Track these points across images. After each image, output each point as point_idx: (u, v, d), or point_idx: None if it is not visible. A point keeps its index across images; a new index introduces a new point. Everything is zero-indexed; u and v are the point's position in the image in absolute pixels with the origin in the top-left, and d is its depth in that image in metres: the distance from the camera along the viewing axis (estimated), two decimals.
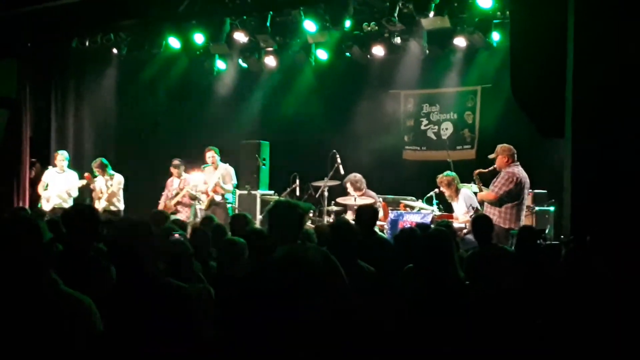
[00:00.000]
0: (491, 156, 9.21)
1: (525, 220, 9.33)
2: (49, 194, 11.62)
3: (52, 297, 2.99)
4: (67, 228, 4.69)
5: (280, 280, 3.30)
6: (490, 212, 8.78)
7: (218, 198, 11.43)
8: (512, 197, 8.79)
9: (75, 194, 11.75)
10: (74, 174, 11.88)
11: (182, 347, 3.27)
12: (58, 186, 11.67)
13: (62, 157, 11.89)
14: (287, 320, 3.24)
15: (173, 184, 11.83)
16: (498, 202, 8.81)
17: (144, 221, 3.80)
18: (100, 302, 3.10)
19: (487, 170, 9.26)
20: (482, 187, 9.26)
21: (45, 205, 11.59)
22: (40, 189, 11.83)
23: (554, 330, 3.70)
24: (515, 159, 9.01)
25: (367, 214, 6.91)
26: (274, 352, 3.21)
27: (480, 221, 6.77)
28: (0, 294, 2.96)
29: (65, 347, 2.92)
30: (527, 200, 9.35)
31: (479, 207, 9.52)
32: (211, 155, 11.53)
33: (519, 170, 8.92)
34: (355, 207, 10.34)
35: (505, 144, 9.20)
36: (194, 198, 11.52)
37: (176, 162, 11.84)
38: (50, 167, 12.08)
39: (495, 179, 9.04)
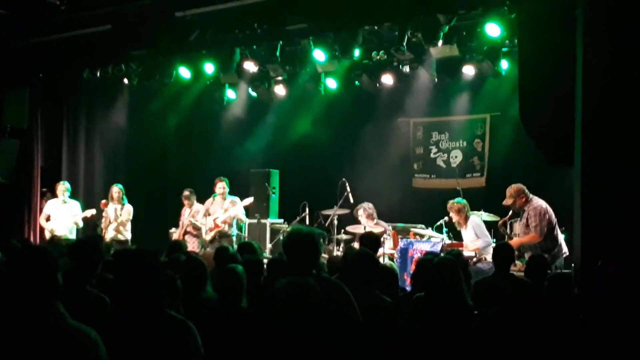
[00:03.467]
0: (506, 203, 9.21)
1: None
2: (53, 226, 11.65)
3: (58, 330, 2.97)
4: (72, 259, 4.70)
5: (281, 313, 3.27)
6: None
7: (226, 228, 11.42)
8: (549, 228, 8.81)
9: (81, 224, 11.79)
10: (76, 204, 11.94)
11: None
12: (63, 217, 11.70)
13: (63, 187, 11.95)
14: (287, 351, 3.21)
15: (184, 214, 11.86)
16: (544, 240, 8.80)
17: (154, 252, 3.77)
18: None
19: (508, 217, 9.33)
20: (508, 234, 9.29)
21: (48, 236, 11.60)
22: (42, 220, 11.87)
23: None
24: (528, 192, 9.04)
25: (370, 241, 6.95)
26: None
27: (502, 249, 6.78)
28: (7, 325, 2.95)
29: None
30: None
31: (488, 235, 9.51)
32: (222, 186, 11.56)
33: (540, 201, 8.96)
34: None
35: (513, 185, 9.25)
36: (197, 228, 11.53)
37: (186, 192, 11.89)
38: (48, 198, 12.16)
39: (521, 221, 9.03)
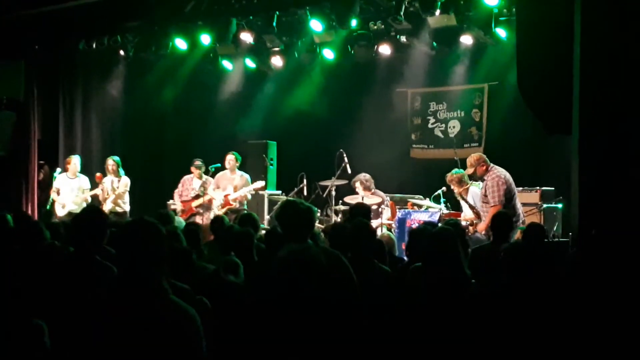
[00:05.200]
0: (467, 172, 9.23)
1: (532, 217, 9.31)
2: (64, 200, 11.63)
3: (163, 306, 2.91)
4: (76, 231, 4.70)
5: (282, 280, 3.28)
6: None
7: (237, 205, 11.38)
8: (507, 197, 8.79)
9: (89, 199, 11.76)
10: (86, 179, 11.87)
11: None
12: (73, 192, 11.68)
13: (76, 161, 11.91)
14: (290, 322, 3.22)
15: (192, 183, 11.77)
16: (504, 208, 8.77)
17: (155, 223, 3.71)
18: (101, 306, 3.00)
19: (466, 187, 9.35)
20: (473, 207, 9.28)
21: (60, 211, 11.58)
22: (53, 194, 11.82)
23: (558, 328, 3.68)
24: (489, 162, 9.03)
25: (360, 213, 7.00)
26: (279, 354, 3.18)
27: (500, 217, 6.81)
28: (116, 299, 2.90)
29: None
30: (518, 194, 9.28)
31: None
32: (232, 159, 11.47)
33: (499, 170, 8.93)
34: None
35: (473, 154, 9.31)
36: (209, 201, 11.48)
37: (198, 162, 11.78)
38: (58, 170, 12.11)
39: (482, 191, 9.02)
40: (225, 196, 11.32)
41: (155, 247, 2.98)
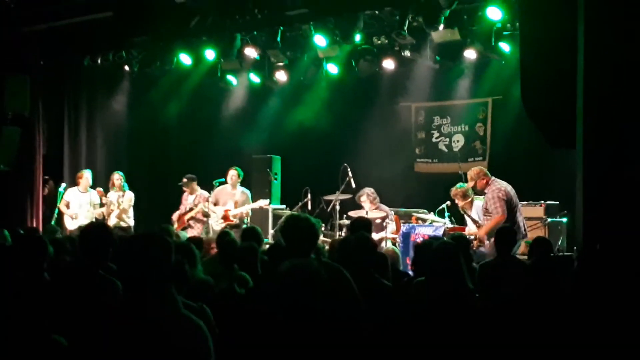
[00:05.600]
0: (468, 186, 9.25)
1: (537, 231, 9.29)
2: (74, 213, 11.66)
3: (174, 319, 2.89)
4: (81, 245, 4.70)
5: (283, 293, 3.27)
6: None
7: (237, 222, 11.38)
8: (508, 208, 8.78)
9: (100, 214, 11.78)
10: (95, 194, 11.92)
11: None
12: (83, 207, 11.72)
13: (88, 176, 11.94)
14: (291, 335, 3.21)
15: (188, 199, 11.82)
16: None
17: (163, 237, 3.69)
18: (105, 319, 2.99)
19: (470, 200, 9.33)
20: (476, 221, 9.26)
21: (70, 224, 11.62)
22: (62, 207, 11.86)
23: (563, 342, 3.67)
24: (490, 175, 9.04)
25: (361, 226, 7.04)
26: None
27: (504, 231, 6.81)
28: (124, 311, 2.89)
29: None
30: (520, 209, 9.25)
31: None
32: (235, 174, 11.46)
33: (500, 183, 8.95)
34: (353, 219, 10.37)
35: (474, 168, 9.35)
36: (206, 215, 11.51)
37: (184, 180, 11.82)
38: (63, 185, 12.15)
39: (484, 204, 9.02)
40: (226, 211, 11.32)
41: (165, 260, 2.96)
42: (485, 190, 8.96)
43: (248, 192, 11.67)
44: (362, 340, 3.96)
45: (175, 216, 11.77)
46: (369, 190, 10.89)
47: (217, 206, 11.46)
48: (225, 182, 11.65)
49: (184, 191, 11.89)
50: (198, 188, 11.80)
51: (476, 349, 3.76)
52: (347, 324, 3.90)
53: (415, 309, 4.15)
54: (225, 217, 11.30)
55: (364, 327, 4.19)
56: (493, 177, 9.03)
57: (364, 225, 7.41)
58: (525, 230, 8.97)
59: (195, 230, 11.28)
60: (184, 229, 11.37)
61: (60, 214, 11.86)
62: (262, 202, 11.55)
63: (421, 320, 3.98)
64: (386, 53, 12.23)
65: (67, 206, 11.79)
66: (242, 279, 5.27)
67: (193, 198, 11.72)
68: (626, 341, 3.57)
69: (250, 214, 11.64)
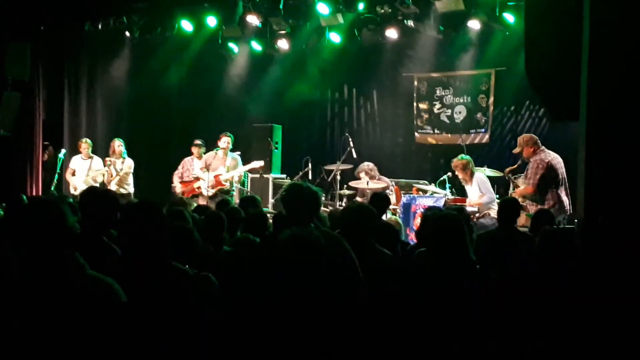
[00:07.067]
0: (515, 151, 9.22)
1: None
2: (76, 182, 11.67)
3: (78, 280, 2.94)
4: (83, 211, 4.65)
5: (282, 262, 3.26)
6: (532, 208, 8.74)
7: (227, 186, 11.30)
8: (547, 182, 8.76)
9: (100, 179, 11.77)
10: (98, 160, 11.91)
11: (188, 332, 3.22)
12: (84, 173, 11.73)
13: (87, 144, 11.94)
14: (290, 304, 3.20)
15: (193, 164, 11.74)
16: (538, 193, 8.76)
17: (156, 203, 3.71)
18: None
19: (516, 165, 9.29)
20: (516, 183, 9.25)
21: (73, 193, 11.61)
22: (68, 175, 11.91)
23: (564, 315, 3.67)
24: (540, 145, 8.99)
25: (380, 201, 7.11)
26: (279, 337, 3.17)
27: (507, 203, 6.79)
28: (27, 276, 2.92)
29: (94, 331, 2.87)
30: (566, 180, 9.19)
31: (492, 191, 9.50)
32: (227, 141, 11.35)
33: (546, 154, 8.90)
34: (368, 190, 10.36)
35: (525, 134, 9.29)
36: (197, 179, 11.43)
37: (198, 141, 11.78)
38: (63, 151, 12.14)
39: (526, 172, 9.02)
40: (216, 176, 11.22)
41: (59, 223, 3.00)
42: (530, 159, 8.95)
43: (238, 157, 11.55)
44: (359, 310, 3.96)
45: (177, 184, 11.66)
46: (366, 165, 10.83)
47: (209, 172, 11.33)
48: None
49: (191, 154, 11.81)
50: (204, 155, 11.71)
51: (478, 322, 3.76)
52: (344, 293, 3.89)
53: (417, 280, 4.14)
54: (217, 183, 11.23)
55: (361, 297, 4.19)
56: (543, 147, 8.99)
57: (383, 200, 7.53)
58: (569, 205, 8.91)
59: (203, 200, 11.16)
60: (194, 197, 11.29)
61: (60, 180, 11.86)
62: (257, 164, 11.46)
63: (423, 290, 3.97)
64: (389, 22, 12.14)
65: (73, 174, 11.81)
66: (250, 199, 5.25)
67: (199, 163, 11.58)
68: (630, 318, 3.57)
69: (242, 177, 11.58)
